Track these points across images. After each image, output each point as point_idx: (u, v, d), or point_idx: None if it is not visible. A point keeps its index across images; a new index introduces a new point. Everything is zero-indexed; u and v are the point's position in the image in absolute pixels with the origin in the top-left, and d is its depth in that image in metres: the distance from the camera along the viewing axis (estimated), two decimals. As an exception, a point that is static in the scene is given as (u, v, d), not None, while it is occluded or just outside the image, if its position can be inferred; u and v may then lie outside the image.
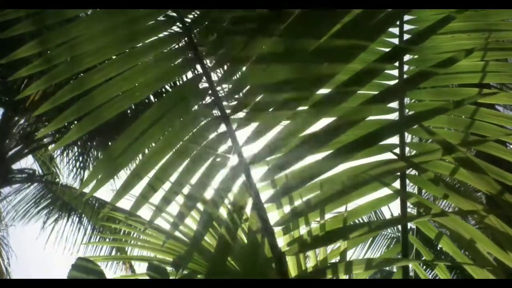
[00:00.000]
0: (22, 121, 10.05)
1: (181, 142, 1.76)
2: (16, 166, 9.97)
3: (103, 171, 1.83)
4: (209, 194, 1.80)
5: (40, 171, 11.38)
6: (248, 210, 1.77)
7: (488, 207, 1.72)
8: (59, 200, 11.00)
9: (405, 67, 2.13)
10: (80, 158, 10.11)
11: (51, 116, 9.31)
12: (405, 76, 2.08)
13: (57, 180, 11.39)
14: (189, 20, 1.79)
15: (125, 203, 1.88)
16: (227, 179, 1.70)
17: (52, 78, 1.82)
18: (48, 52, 1.83)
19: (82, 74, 1.88)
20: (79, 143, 9.52)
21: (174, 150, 1.78)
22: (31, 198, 11.06)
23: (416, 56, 2.15)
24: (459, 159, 1.62)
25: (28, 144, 9.94)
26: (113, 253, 10.82)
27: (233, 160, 1.70)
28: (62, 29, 1.81)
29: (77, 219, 10.96)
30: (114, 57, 1.85)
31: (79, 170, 10.25)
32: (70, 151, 10.28)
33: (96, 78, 1.81)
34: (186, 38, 1.77)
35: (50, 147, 10.42)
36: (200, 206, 1.92)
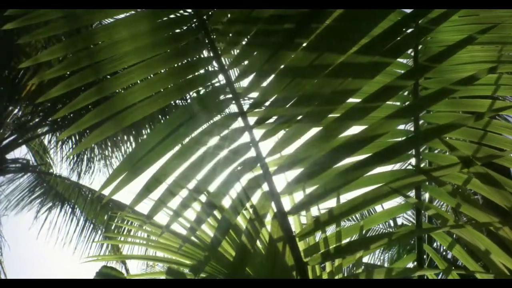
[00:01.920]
0: (16, 111, 10.05)
1: (203, 149, 1.78)
2: (10, 156, 9.97)
3: (124, 174, 1.84)
4: (227, 201, 1.84)
5: (34, 161, 11.38)
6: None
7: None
8: (52, 190, 10.99)
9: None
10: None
11: (46, 107, 9.36)
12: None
13: (51, 170, 11.40)
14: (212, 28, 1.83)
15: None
16: (249, 188, 1.73)
17: (73, 82, 1.83)
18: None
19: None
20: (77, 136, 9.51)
21: (195, 157, 1.80)
22: (24, 187, 11.05)
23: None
24: (477, 173, 1.66)
25: (22, 134, 9.94)
26: (104, 245, 10.87)
27: (256, 170, 1.73)
28: (85, 35, 1.83)
29: (70, 209, 10.96)
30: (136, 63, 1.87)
31: (76, 162, 10.29)
32: (65, 144, 10.27)
33: (117, 84, 1.84)
34: (210, 48, 1.80)
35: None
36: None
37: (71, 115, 8.50)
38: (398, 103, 2.22)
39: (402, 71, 2.21)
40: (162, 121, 9.15)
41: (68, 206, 10.95)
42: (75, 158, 10.21)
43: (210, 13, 1.85)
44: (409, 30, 1.63)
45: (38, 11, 1.79)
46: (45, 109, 9.57)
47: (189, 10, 1.86)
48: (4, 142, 9.68)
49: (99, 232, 10.95)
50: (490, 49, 2.18)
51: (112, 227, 10.75)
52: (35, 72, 8.33)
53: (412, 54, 2.25)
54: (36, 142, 11.16)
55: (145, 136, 9.62)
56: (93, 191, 10.84)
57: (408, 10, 2.23)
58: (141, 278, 2.75)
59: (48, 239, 10.68)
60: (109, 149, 10.11)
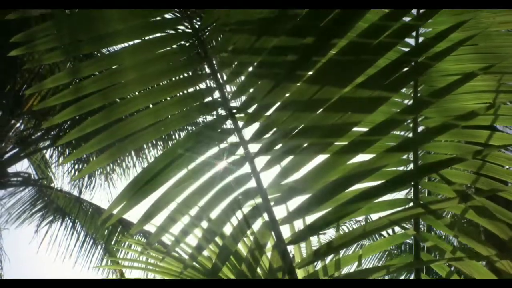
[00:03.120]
0: (18, 125, 10.07)
1: (204, 178, 1.81)
2: (11, 169, 9.98)
3: (128, 198, 1.86)
4: (229, 228, 1.86)
5: (35, 175, 11.40)
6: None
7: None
8: (53, 204, 11.01)
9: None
10: (77, 166, 10.13)
11: (48, 121, 9.35)
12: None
13: (52, 184, 11.42)
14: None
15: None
16: (249, 217, 1.75)
17: (80, 108, 1.86)
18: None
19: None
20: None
21: (197, 185, 1.82)
22: (25, 201, 11.07)
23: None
24: (474, 206, 1.68)
25: (24, 148, 9.96)
26: (104, 261, 10.88)
27: (258, 197, 1.75)
28: (92, 61, 1.87)
29: (71, 224, 10.97)
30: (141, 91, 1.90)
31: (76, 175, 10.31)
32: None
33: (123, 110, 1.86)
34: (213, 78, 1.84)
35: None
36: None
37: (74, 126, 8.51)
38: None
39: (400, 100, 2.25)
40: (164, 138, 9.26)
41: (69, 220, 10.96)
42: (77, 173, 10.22)
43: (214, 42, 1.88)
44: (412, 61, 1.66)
45: (43, 38, 1.82)
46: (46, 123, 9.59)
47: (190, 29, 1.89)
48: (6, 156, 9.71)
49: (99, 247, 10.96)
50: (490, 79, 2.21)
51: (113, 242, 10.76)
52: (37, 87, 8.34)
53: (412, 82, 2.27)
54: (37, 156, 11.19)
55: (146, 151, 9.66)
56: (94, 206, 10.87)
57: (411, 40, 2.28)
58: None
59: (49, 253, 10.69)
60: (111, 164, 10.13)
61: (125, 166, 10.09)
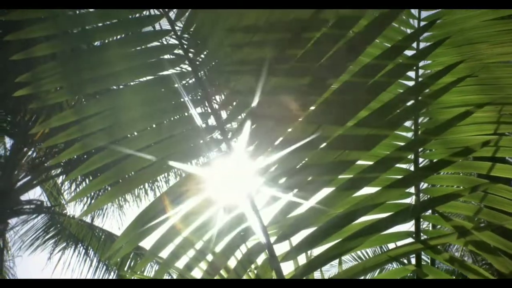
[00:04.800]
0: (30, 152, 10.17)
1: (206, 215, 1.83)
2: (24, 197, 10.06)
3: (132, 235, 1.89)
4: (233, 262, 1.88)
5: (48, 202, 11.47)
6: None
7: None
8: (66, 231, 11.06)
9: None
10: (89, 194, 10.17)
11: (60, 149, 9.46)
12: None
13: (65, 211, 11.49)
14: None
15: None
16: (251, 254, 1.78)
17: (86, 145, 1.90)
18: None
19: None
20: (90, 177, 9.57)
21: (200, 220, 1.85)
22: (38, 228, 11.13)
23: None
24: (473, 241, 1.70)
25: (36, 175, 10.04)
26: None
27: (258, 236, 1.77)
28: (97, 100, 1.91)
29: (84, 250, 11.01)
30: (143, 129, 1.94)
31: (89, 205, 10.35)
32: (80, 185, 10.35)
33: (128, 147, 1.89)
34: (213, 118, 1.87)
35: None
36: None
37: (85, 156, 8.58)
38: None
39: (402, 133, 2.27)
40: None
41: (82, 247, 11.00)
42: (89, 201, 10.28)
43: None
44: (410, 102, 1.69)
45: (48, 78, 1.87)
46: (59, 151, 9.69)
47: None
48: (19, 184, 9.79)
49: (112, 273, 10.98)
50: (491, 109, 2.21)
51: (126, 268, 10.78)
52: (48, 116, 8.42)
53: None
54: (50, 183, 11.27)
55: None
56: (106, 232, 10.92)
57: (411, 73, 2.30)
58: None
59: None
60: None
61: (137, 195, 10.15)
